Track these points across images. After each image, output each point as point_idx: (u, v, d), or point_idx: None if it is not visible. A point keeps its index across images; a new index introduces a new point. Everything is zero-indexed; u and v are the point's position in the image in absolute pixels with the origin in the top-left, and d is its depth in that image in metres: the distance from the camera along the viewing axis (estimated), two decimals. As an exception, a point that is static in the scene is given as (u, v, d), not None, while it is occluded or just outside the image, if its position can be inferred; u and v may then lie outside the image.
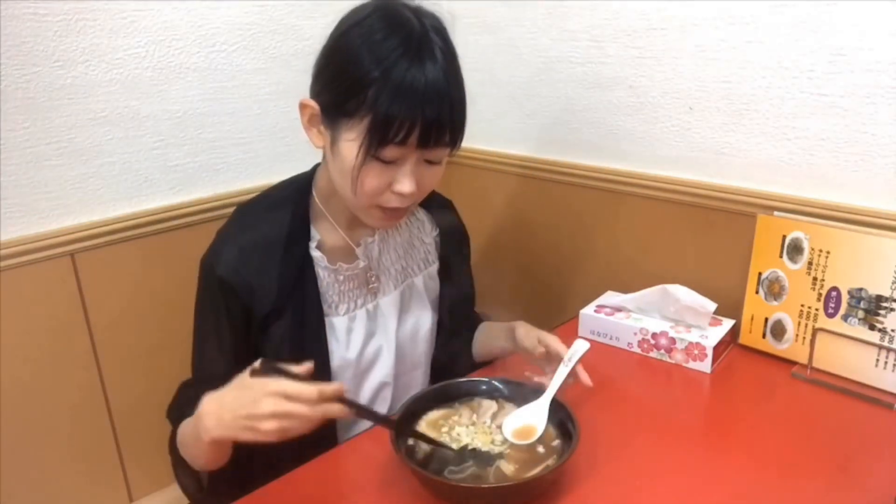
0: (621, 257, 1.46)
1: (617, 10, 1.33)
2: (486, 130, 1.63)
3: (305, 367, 0.78)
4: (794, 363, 1.17)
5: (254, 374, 0.77)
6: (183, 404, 0.93)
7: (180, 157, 1.31)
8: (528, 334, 1.03)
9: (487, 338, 1.18)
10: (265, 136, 1.42)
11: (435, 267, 1.14)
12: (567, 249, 1.55)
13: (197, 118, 1.32)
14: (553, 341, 1.00)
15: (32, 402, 1.18)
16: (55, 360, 1.20)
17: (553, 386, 0.95)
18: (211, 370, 0.97)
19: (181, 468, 0.93)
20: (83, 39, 1.15)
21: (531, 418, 0.93)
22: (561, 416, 0.92)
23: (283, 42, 1.40)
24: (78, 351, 1.22)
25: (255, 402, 0.75)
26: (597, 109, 1.42)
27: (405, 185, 0.88)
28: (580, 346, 1.00)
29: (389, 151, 0.85)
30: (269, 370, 0.77)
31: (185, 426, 0.89)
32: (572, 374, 0.97)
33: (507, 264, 1.68)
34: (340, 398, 0.77)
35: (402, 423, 0.91)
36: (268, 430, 0.74)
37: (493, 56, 1.55)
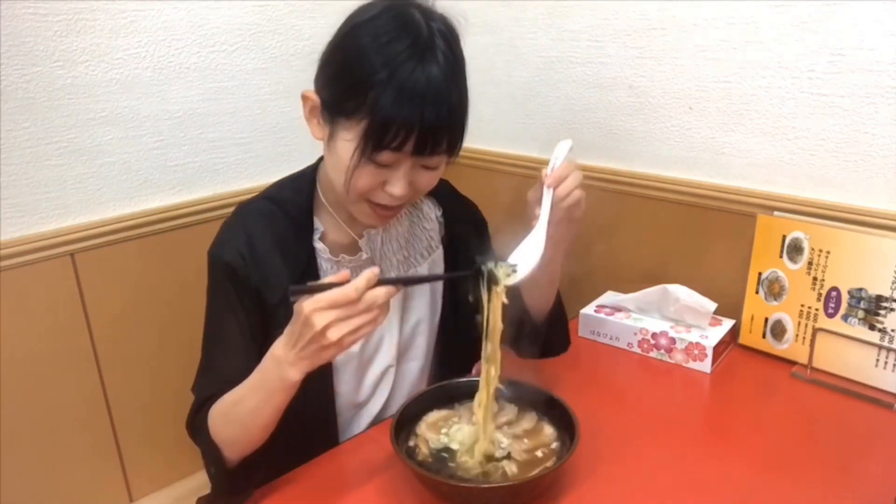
0: (621, 257, 1.46)
1: (617, 10, 1.33)
2: (486, 130, 1.63)
3: (342, 275, 0.78)
4: (794, 363, 1.17)
5: (292, 298, 0.77)
6: (205, 402, 0.92)
7: (180, 157, 1.31)
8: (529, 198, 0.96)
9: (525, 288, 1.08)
10: (265, 136, 1.42)
11: (439, 252, 1.13)
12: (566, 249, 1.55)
13: (197, 118, 1.32)
14: (543, 173, 0.92)
15: (32, 402, 1.18)
16: (55, 360, 1.20)
17: (544, 210, 0.89)
18: (226, 362, 0.95)
19: (211, 456, 0.90)
20: (83, 39, 1.15)
21: (527, 254, 0.88)
22: (561, 416, 0.92)
23: (283, 42, 1.40)
24: (78, 351, 1.22)
25: (305, 326, 0.76)
26: (597, 109, 1.42)
27: (397, 188, 0.88)
28: (560, 149, 0.92)
29: (384, 156, 0.85)
30: (300, 292, 0.77)
31: (234, 399, 0.88)
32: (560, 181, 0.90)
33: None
34: (379, 282, 0.77)
35: (402, 424, 0.91)
36: (335, 339, 0.76)
37: (493, 56, 1.55)
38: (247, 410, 0.86)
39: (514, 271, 0.86)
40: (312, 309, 0.76)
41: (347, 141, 0.86)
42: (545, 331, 1.09)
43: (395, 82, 0.81)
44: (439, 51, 0.84)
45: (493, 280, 0.85)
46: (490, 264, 0.86)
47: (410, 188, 0.90)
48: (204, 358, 0.99)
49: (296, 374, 0.81)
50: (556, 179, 0.90)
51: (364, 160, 0.85)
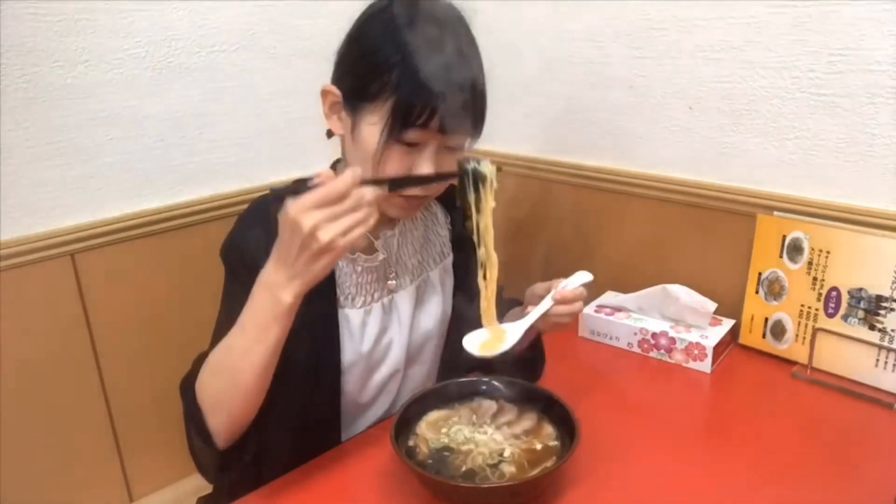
0: (621, 257, 1.46)
1: (617, 10, 1.33)
2: (486, 130, 1.61)
3: (324, 174, 0.76)
4: (794, 363, 1.17)
5: (274, 202, 0.76)
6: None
7: (180, 157, 1.31)
8: (538, 286, 1.01)
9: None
10: (265, 136, 1.42)
11: (450, 259, 1.13)
12: (567, 249, 1.55)
13: (197, 118, 1.32)
14: (559, 281, 0.98)
15: (32, 402, 1.18)
16: (55, 360, 1.20)
17: (537, 310, 0.94)
18: None
19: (196, 422, 0.86)
20: (83, 39, 1.15)
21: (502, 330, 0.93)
22: (561, 416, 0.92)
23: (283, 42, 1.40)
24: (78, 351, 1.22)
25: (293, 232, 0.73)
26: (597, 109, 1.42)
27: (425, 169, 0.89)
28: (579, 277, 0.97)
29: (411, 134, 0.86)
30: (281, 192, 0.74)
31: (224, 346, 0.84)
32: (566, 302, 0.95)
33: (505, 264, 1.67)
34: (364, 182, 0.76)
35: (402, 424, 0.91)
36: (326, 241, 0.72)
37: (493, 56, 1.55)
38: (238, 353, 0.82)
39: (499, 168, 0.89)
40: (298, 210, 0.73)
41: (372, 125, 0.87)
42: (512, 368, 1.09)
43: (417, 59, 0.83)
44: (454, 29, 0.88)
45: (479, 178, 0.87)
46: (473, 162, 0.87)
47: (437, 172, 0.90)
48: (211, 342, 0.96)
49: (289, 296, 0.77)
50: (563, 300, 0.95)
51: (391, 142, 0.86)
